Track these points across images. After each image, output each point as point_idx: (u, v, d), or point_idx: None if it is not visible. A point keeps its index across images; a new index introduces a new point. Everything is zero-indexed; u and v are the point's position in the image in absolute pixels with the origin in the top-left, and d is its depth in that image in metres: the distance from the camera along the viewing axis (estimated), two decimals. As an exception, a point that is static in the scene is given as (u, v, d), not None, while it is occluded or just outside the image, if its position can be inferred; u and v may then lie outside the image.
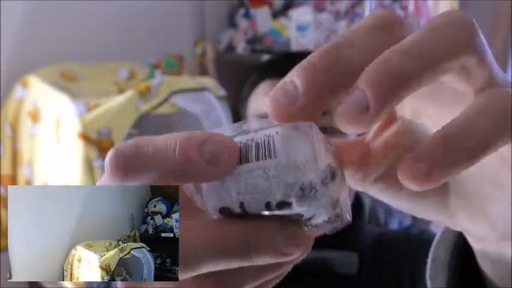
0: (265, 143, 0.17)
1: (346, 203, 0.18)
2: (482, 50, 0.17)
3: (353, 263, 0.61)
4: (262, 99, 0.63)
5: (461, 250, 0.28)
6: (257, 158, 0.17)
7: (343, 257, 0.59)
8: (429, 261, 0.30)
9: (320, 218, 0.18)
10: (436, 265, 0.30)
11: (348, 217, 0.19)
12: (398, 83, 0.16)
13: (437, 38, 0.16)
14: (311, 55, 0.17)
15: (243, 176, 0.17)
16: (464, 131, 0.15)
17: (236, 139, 0.18)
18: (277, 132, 0.17)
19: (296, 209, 0.17)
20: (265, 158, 0.17)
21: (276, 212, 0.17)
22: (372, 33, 0.17)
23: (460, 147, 0.15)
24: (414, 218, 1.62)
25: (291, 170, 0.17)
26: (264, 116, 0.61)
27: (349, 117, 0.16)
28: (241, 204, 0.17)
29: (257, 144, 0.17)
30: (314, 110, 0.17)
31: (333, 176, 0.18)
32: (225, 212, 0.18)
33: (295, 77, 0.17)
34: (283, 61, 0.70)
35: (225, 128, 0.19)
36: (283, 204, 0.17)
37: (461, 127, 0.16)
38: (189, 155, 0.17)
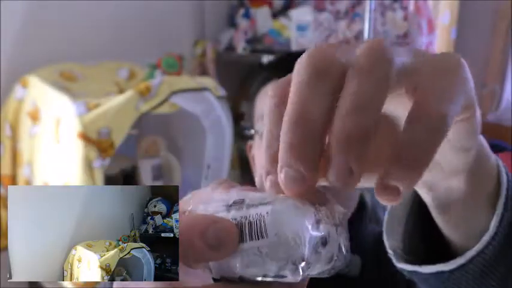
0: (257, 223, 0.19)
1: (344, 246, 0.20)
2: (398, 60, 0.20)
3: (356, 266, 0.61)
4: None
5: (418, 207, 0.31)
6: (251, 238, 0.19)
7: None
8: (386, 217, 0.32)
9: (317, 271, 0.19)
10: (393, 220, 0.32)
11: (348, 255, 0.20)
12: (364, 139, 0.18)
13: (371, 83, 0.19)
14: (283, 135, 0.20)
15: (239, 254, 0.19)
16: (411, 151, 0.19)
17: (231, 214, 0.19)
18: (267, 213, 0.19)
19: (291, 279, 0.19)
20: (258, 238, 0.19)
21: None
22: (317, 87, 0.20)
23: (413, 162, 0.19)
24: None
25: (282, 247, 0.18)
26: None
27: (341, 185, 0.19)
28: (240, 277, 0.19)
29: (250, 223, 0.19)
30: (318, 175, 0.20)
31: (325, 242, 0.19)
32: (226, 279, 0.19)
33: (290, 161, 0.19)
34: (291, 61, 0.69)
35: (219, 197, 0.21)
36: (278, 277, 0.19)
37: (407, 148, 0.19)
38: (193, 243, 0.18)
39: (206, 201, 0.21)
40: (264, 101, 0.66)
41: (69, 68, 1.52)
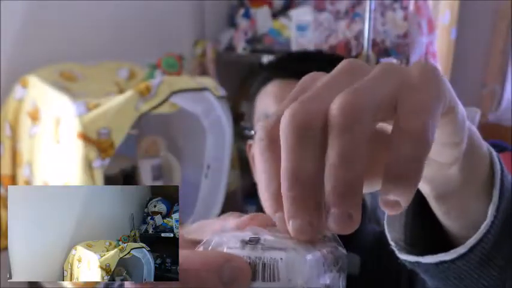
0: (271, 266, 0.20)
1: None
2: (374, 94, 0.22)
3: (355, 265, 0.61)
4: (270, 99, 0.64)
5: (417, 198, 0.33)
6: (263, 279, 0.20)
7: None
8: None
9: None
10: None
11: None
12: (355, 189, 0.20)
13: (351, 141, 0.20)
14: (285, 191, 0.21)
15: None
16: (398, 169, 0.21)
17: (245, 252, 0.21)
18: (281, 259, 0.20)
19: None
20: (270, 280, 0.20)
21: None
22: (305, 147, 0.21)
23: (403, 180, 0.20)
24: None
25: None
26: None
27: (344, 230, 0.20)
28: None
29: (264, 265, 0.20)
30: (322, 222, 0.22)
31: None
32: None
33: (296, 212, 0.21)
34: (291, 60, 0.70)
35: (233, 230, 0.22)
36: None
37: (395, 166, 0.21)
38: (207, 279, 0.19)
39: (221, 234, 0.22)
40: (266, 100, 0.66)
41: (69, 68, 1.52)
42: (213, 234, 0.22)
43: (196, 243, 0.22)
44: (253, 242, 0.21)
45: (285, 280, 0.20)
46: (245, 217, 0.23)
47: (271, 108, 0.62)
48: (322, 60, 0.68)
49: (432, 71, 0.23)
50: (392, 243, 0.34)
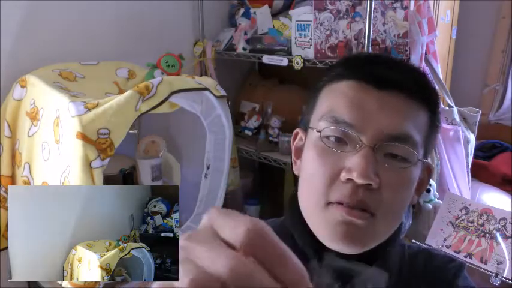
0: None
1: None
2: None
3: (382, 281, 0.60)
4: (341, 100, 0.60)
5: None
6: None
7: (376, 273, 0.58)
8: None
9: None
10: None
11: None
12: None
13: None
14: None
15: None
16: None
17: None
18: None
19: None
20: None
21: None
22: None
23: None
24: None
25: None
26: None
27: None
28: None
29: None
30: None
31: None
32: None
33: None
34: (368, 63, 0.64)
35: None
36: None
37: None
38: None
39: None
40: (333, 100, 0.60)
41: (69, 68, 1.52)
42: None
43: None
44: None
45: None
46: None
47: (341, 109, 0.58)
48: (401, 67, 0.63)
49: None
50: None
